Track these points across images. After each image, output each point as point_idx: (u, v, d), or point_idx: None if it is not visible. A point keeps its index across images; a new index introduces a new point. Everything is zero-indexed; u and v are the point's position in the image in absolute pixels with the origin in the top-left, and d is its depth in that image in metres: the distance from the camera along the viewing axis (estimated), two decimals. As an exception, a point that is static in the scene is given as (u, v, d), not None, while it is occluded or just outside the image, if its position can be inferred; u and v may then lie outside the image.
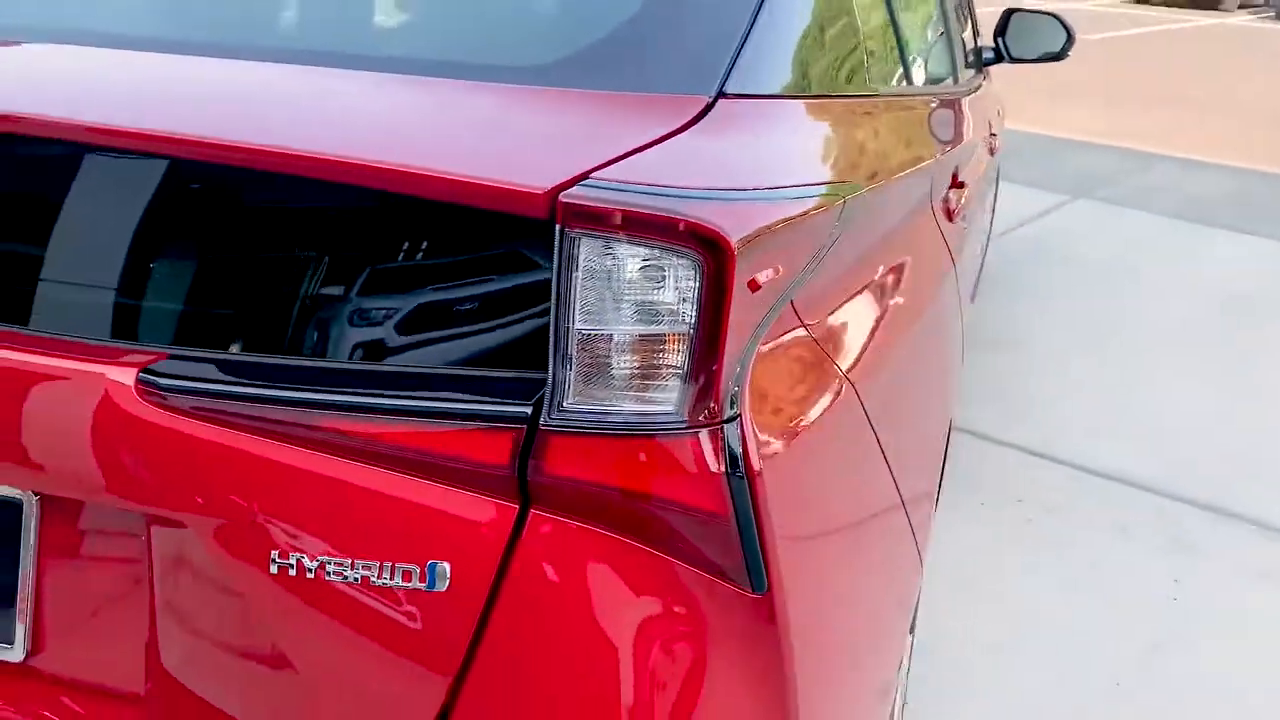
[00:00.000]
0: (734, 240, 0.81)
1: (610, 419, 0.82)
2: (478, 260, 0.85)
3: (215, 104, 0.94)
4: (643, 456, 0.82)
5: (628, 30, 1.07)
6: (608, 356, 0.81)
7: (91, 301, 0.89)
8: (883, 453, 1.10)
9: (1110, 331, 4.12)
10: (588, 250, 0.80)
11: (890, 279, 1.21)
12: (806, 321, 0.96)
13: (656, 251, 0.80)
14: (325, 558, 0.83)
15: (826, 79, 1.22)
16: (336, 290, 0.86)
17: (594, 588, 0.85)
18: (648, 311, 0.82)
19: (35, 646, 0.95)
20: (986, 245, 4.35)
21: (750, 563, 0.86)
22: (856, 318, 1.09)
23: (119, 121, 0.87)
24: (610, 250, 0.80)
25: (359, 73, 1.01)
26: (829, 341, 1.00)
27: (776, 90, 1.10)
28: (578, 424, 0.82)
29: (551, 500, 0.83)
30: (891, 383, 1.17)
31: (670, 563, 0.85)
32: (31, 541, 0.92)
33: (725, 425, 0.83)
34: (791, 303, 0.95)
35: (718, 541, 0.85)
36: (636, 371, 0.82)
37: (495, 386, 0.83)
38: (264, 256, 0.89)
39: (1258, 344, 4.11)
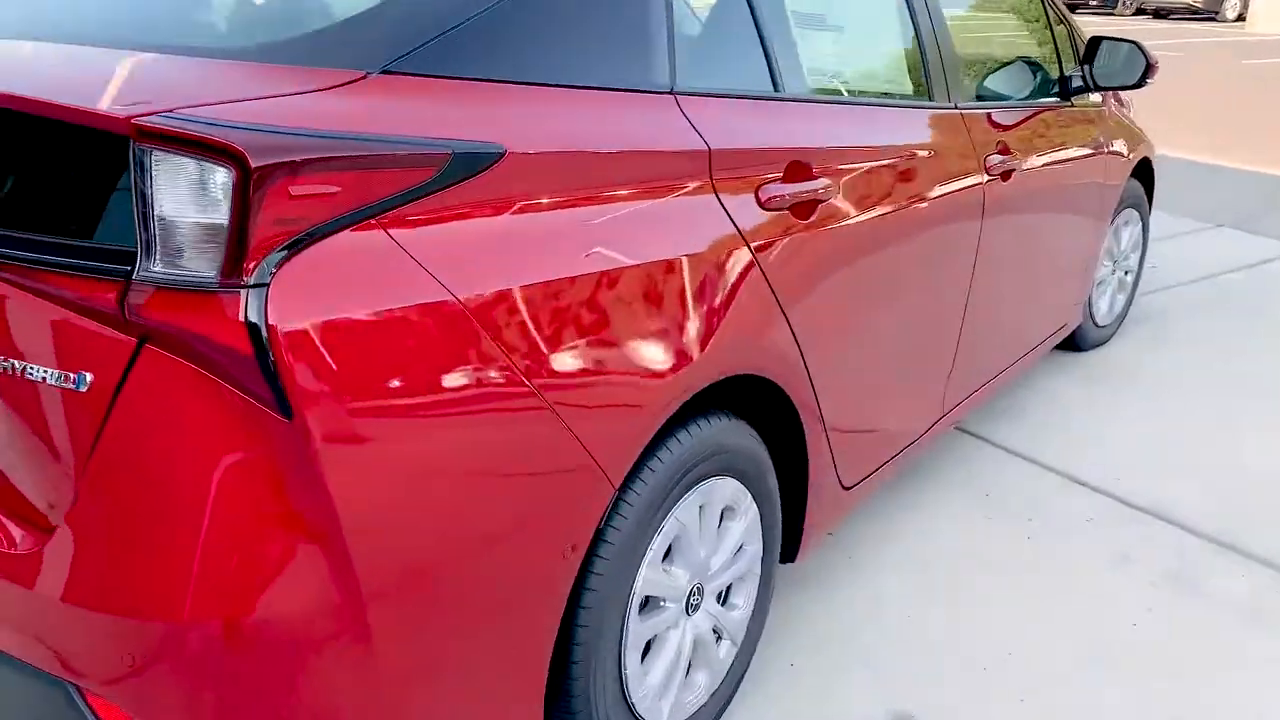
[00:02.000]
0: (254, 160, 1.16)
1: (177, 277, 1.19)
2: (101, 165, 1.23)
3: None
4: (197, 307, 1.18)
5: (324, 19, 1.45)
6: (171, 235, 1.18)
7: None
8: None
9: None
10: (154, 158, 1.17)
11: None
12: (392, 230, 1.28)
13: (200, 161, 1.17)
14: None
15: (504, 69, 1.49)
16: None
17: (176, 406, 1.21)
18: (198, 203, 1.18)
19: None
20: (1136, 277, 4.21)
21: (277, 395, 1.19)
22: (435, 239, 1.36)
23: None
24: (168, 158, 1.17)
25: (101, 48, 1.43)
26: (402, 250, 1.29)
27: (447, 74, 1.42)
28: (157, 280, 1.19)
29: (151, 335, 1.20)
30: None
31: (231, 391, 1.20)
32: None
33: (252, 289, 1.17)
34: (382, 222, 1.27)
35: (251, 376, 1.19)
36: (191, 245, 1.18)
37: (106, 253, 1.22)
38: None
39: None
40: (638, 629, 1.74)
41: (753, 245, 1.80)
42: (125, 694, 1.28)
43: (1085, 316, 3.92)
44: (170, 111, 1.19)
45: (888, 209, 2.18)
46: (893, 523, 2.83)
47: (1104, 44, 3.19)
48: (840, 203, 2.03)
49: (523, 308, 1.40)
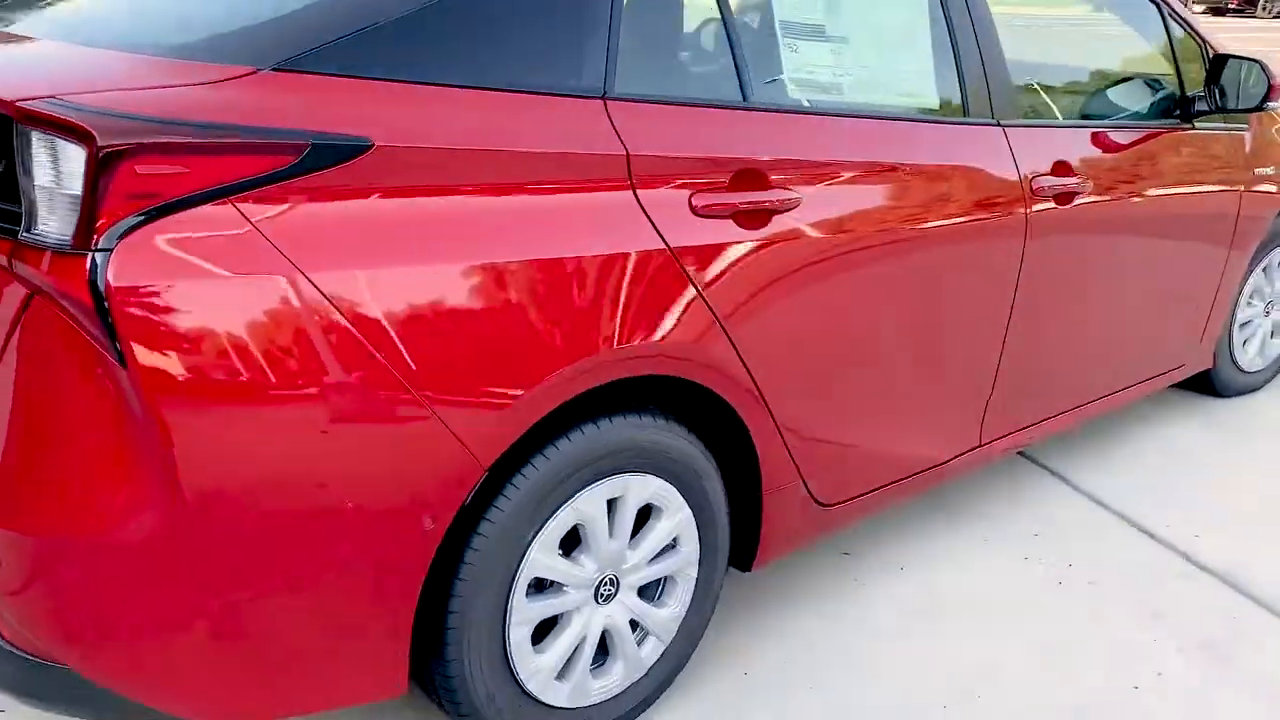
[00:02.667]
0: (102, 140, 1.33)
1: (46, 239, 1.38)
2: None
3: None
4: (59, 265, 1.37)
5: (229, 20, 1.64)
6: (41, 202, 1.38)
7: None
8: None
9: None
10: (31, 136, 1.37)
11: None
12: (245, 208, 1.43)
13: (63, 140, 1.36)
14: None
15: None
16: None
17: (51, 349, 1.42)
18: (61, 176, 1.37)
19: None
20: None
21: (114, 344, 1.37)
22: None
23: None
24: (41, 137, 1.37)
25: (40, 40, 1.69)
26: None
27: (347, 73, 1.56)
28: (32, 241, 1.40)
29: (32, 287, 1.42)
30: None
31: (86, 335, 1.39)
32: None
33: (99, 252, 1.35)
34: (236, 201, 1.43)
35: (95, 326, 1.37)
36: (56, 212, 1.38)
37: (7, 215, 1.44)
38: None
39: None
40: (525, 607, 1.82)
41: (675, 249, 1.83)
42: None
43: (1224, 360, 3.60)
44: (53, 97, 1.39)
45: (875, 225, 2.13)
46: (919, 550, 2.74)
47: (1230, 62, 2.94)
48: (809, 215, 2.02)
49: (379, 289, 1.52)
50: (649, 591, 2.06)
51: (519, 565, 1.78)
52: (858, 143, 2.15)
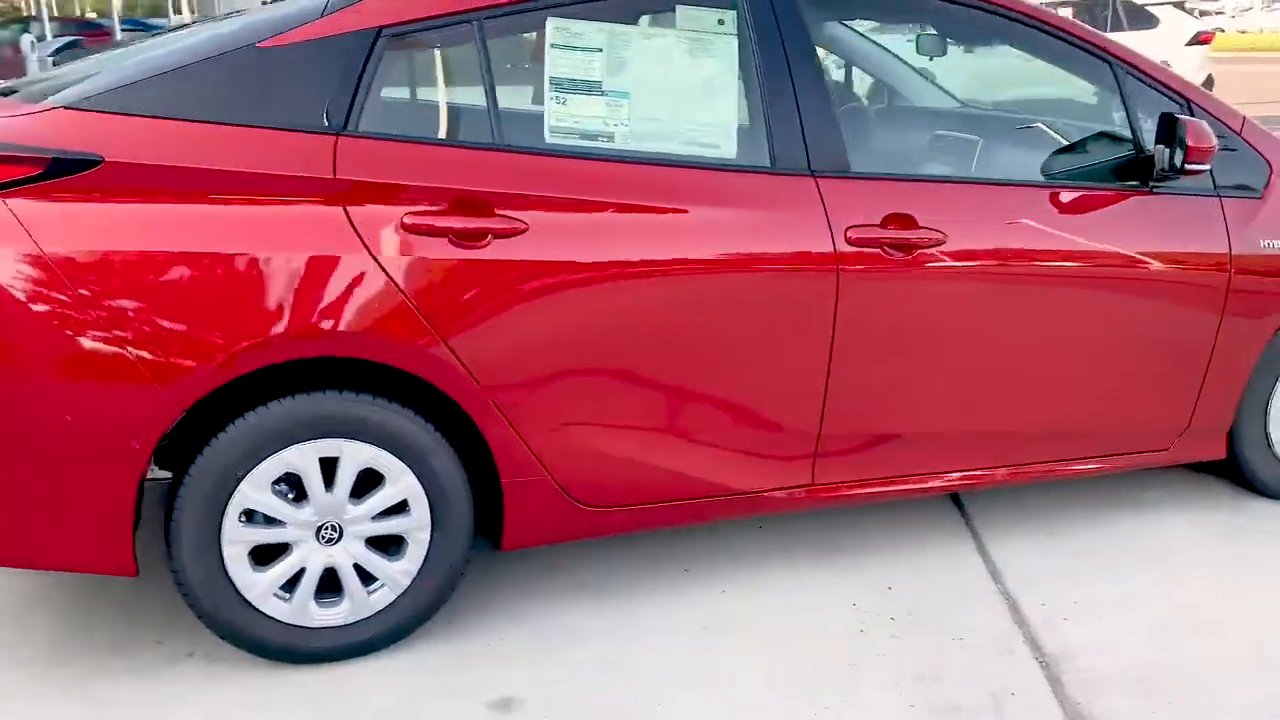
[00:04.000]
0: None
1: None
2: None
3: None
4: None
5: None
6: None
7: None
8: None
9: None
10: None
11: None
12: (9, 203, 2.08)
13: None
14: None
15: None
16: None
17: None
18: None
19: None
20: None
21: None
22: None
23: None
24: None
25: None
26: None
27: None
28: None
29: None
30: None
31: None
32: None
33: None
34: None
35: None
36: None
37: None
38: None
39: None
40: (237, 530, 2.31)
41: (381, 258, 2.25)
42: None
43: (1253, 451, 3.22)
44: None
45: (624, 254, 2.42)
46: (750, 572, 2.85)
47: (1174, 121, 2.72)
48: (540, 241, 2.35)
49: (106, 264, 2.12)
50: (387, 546, 2.46)
51: (230, 496, 2.29)
52: (610, 184, 2.42)
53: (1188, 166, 2.70)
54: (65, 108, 2.19)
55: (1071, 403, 2.95)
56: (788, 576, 2.86)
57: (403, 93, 2.48)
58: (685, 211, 2.48)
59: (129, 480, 2.22)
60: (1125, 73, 2.90)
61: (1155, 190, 2.88)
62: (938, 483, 2.89)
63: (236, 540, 2.33)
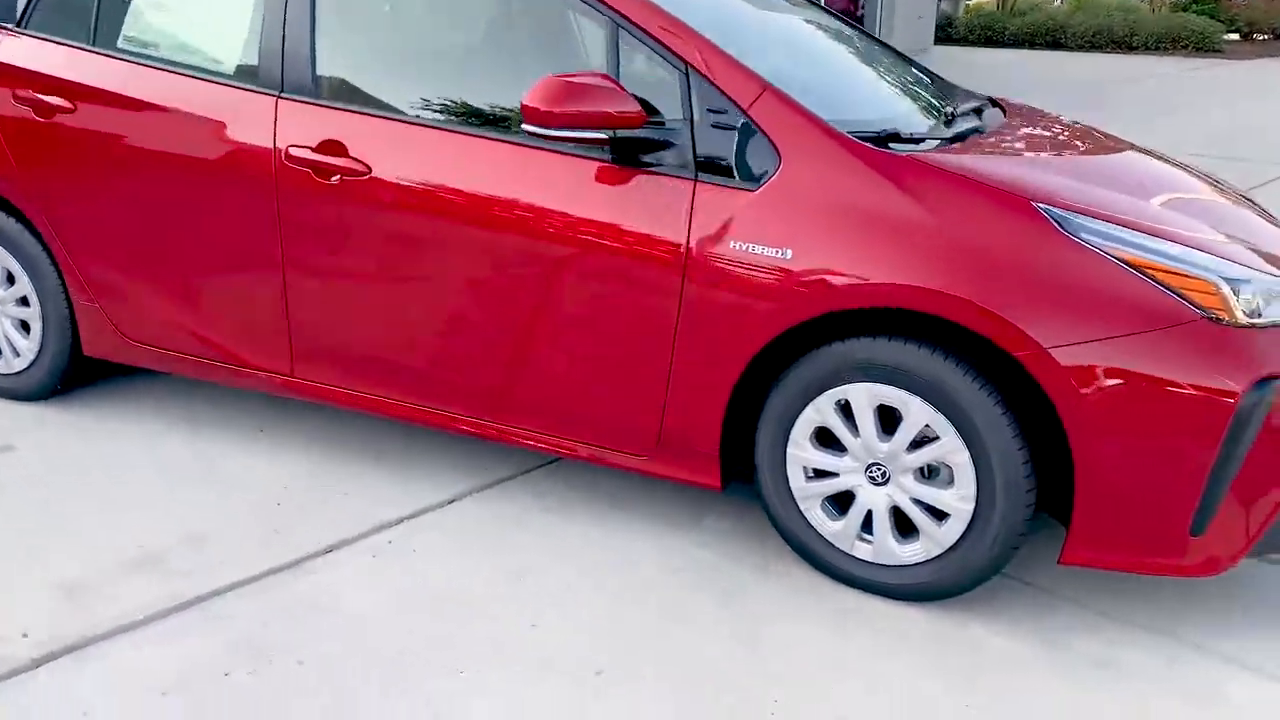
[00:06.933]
0: None
1: None
2: None
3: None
4: None
5: None
6: None
7: None
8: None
9: None
10: None
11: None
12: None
13: None
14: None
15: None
16: None
17: None
18: None
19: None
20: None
21: None
22: None
23: None
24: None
25: None
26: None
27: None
28: None
29: None
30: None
31: None
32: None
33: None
34: None
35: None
36: None
37: None
38: None
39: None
40: None
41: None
42: None
43: (771, 497, 2.70)
44: None
45: (135, 140, 3.09)
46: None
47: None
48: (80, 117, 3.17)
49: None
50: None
51: None
52: (140, 84, 3.11)
53: (525, 127, 2.54)
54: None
55: (525, 370, 2.80)
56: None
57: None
58: (179, 113, 3.02)
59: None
60: (620, 29, 2.62)
61: (618, 162, 2.57)
62: (417, 412, 2.98)
63: None
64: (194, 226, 3.05)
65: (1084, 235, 2.34)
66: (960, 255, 2.34)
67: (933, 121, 2.94)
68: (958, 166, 2.50)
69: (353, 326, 2.96)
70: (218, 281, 3.08)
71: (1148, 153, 3.23)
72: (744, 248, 2.47)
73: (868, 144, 2.51)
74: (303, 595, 2.50)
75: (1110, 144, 3.24)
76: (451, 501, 2.97)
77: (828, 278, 2.41)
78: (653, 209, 2.54)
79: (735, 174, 2.51)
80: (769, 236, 2.46)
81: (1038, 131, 3.19)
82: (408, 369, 2.94)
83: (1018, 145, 2.99)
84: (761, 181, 2.49)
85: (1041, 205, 2.38)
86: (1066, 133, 3.29)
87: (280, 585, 2.54)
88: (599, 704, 2.21)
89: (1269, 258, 2.53)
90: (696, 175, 2.53)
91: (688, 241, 2.51)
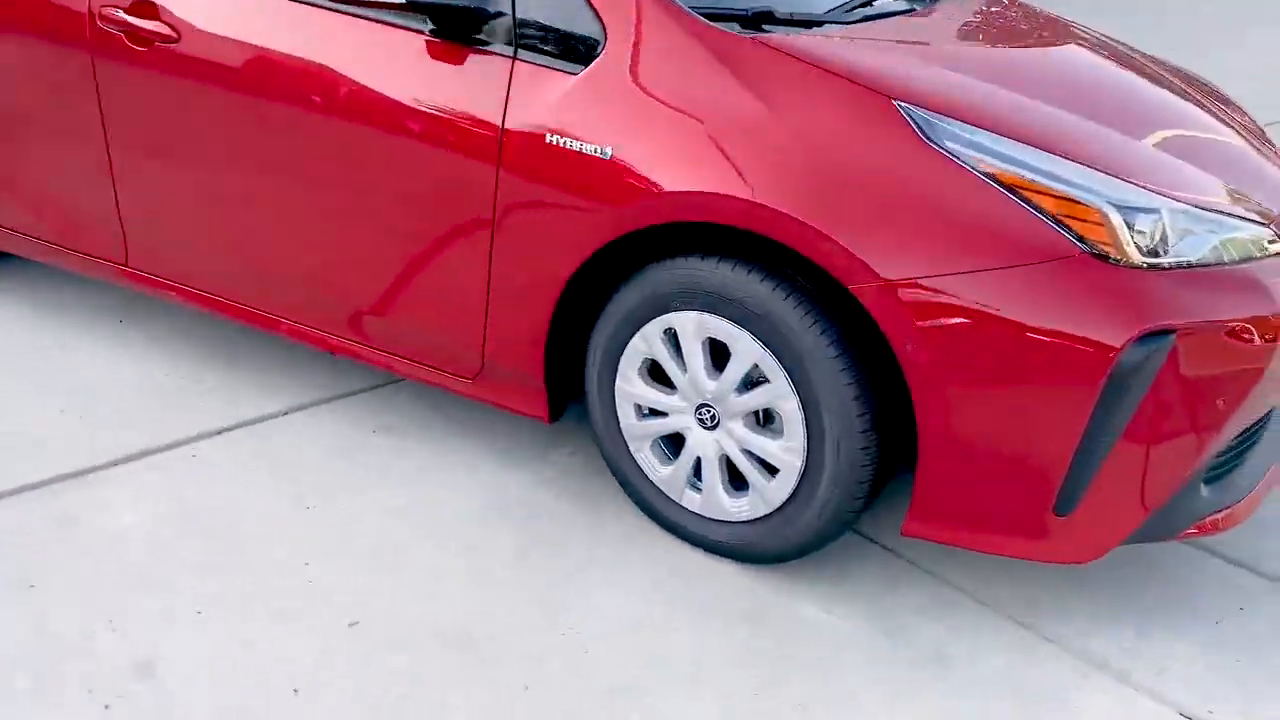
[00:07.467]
0: None
1: None
2: None
3: None
4: None
5: None
6: None
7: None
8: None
9: None
10: None
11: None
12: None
13: None
14: None
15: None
16: None
17: None
18: None
19: None
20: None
21: None
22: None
23: None
24: None
25: None
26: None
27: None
28: None
29: None
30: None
31: None
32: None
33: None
34: None
35: None
36: None
37: None
38: None
39: None
40: None
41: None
42: None
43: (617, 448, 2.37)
44: None
45: None
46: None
47: None
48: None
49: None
50: None
51: None
52: None
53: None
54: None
55: (346, 272, 2.50)
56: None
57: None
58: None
59: None
60: None
61: (439, 35, 2.21)
62: (244, 312, 2.70)
63: None
64: (19, 99, 2.79)
65: (948, 144, 1.89)
66: (795, 162, 1.92)
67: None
68: (812, 53, 2.04)
69: (176, 213, 2.68)
70: (50, 158, 2.83)
71: (1134, 52, 2.70)
72: (561, 142, 2.09)
73: (717, 25, 2.07)
74: (64, 512, 2.28)
75: (1074, 38, 2.69)
76: (282, 414, 2.70)
77: (648, 183, 2.01)
78: (471, 91, 2.18)
79: (557, 52, 2.12)
80: (588, 130, 2.07)
81: (985, 18, 2.68)
82: (230, 263, 2.67)
83: (933, 31, 2.47)
84: (586, 64, 2.10)
85: (903, 104, 1.93)
86: (1027, 24, 2.76)
87: (51, 497, 2.32)
88: (334, 661, 1.94)
89: (1235, 194, 2.06)
90: (516, 53, 2.15)
91: (500, 133, 2.14)
